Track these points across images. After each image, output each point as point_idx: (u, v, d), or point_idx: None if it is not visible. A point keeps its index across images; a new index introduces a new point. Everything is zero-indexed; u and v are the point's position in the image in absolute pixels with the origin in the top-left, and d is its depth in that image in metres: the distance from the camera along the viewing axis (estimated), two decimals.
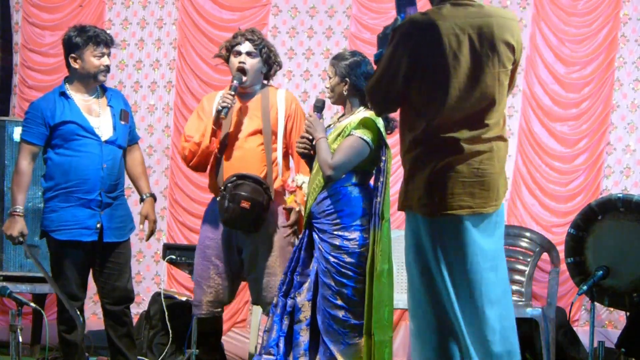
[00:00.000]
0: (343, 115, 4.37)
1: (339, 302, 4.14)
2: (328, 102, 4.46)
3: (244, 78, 4.62)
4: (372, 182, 4.27)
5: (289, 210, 4.64)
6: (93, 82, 4.73)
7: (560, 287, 5.76)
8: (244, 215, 4.48)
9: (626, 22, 6.11)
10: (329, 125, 4.37)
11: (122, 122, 4.78)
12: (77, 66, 4.69)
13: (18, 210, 4.60)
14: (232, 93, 4.54)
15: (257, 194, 4.48)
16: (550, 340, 5.47)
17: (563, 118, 6.15)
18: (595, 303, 5.04)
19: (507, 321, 3.39)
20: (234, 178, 4.52)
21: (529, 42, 6.16)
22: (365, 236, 4.15)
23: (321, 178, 4.21)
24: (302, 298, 4.23)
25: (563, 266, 5.56)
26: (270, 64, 4.71)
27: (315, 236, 4.24)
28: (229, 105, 4.51)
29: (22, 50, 6.67)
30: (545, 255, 5.87)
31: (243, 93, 4.69)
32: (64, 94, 4.70)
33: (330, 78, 4.32)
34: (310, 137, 4.29)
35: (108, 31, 5.19)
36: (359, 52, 4.38)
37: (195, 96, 6.46)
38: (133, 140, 4.93)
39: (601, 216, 5.17)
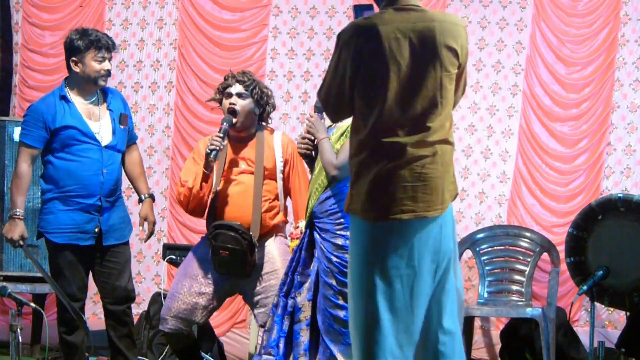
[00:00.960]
0: None
1: (341, 302, 4.13)
2: None
3: (234, 120, 4.57)
4: None
5: None
6: (93, 86, 4.71)
7: (560, 287, 5.76)
8: (227, 264, 4.49)
9: (626, 22, 6.11)
10: (330, 126, 4.37)
11: (122, 127, 4.76)
12: (77, 70, 4.68)
13: (18, 214, 4.59)
14: (221, 135, 4.46)
15: (234, 242, 4.46)
16: (550, 340, 5.47)
17: (563, 118, 6.15)
18: (595, 303, 5.05)
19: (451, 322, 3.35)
20: (212, 229, 4.52)
21: (529, 42, 6.16)
22: None
23: (324, 178, 4.21)
24: (303, 298, 4.23)
25: (563, 266, 5.57)
26: (262, 104, 4.63)
27: (316, 236, 4.23)
28: (218, 148, 4.43)
29: (22, 50, 6.66)
30: (545, 255, 5.87)
31: (237, 137, 4.65)
32: (64, 98, 4.68)
33: None
34: (312, 138, 4.29)
35: (108, 32, 5.19)
36: None
37: (195, 96, 6.46)
38: (131, 140, 4.91)
39: (601, 216, 5.18)
